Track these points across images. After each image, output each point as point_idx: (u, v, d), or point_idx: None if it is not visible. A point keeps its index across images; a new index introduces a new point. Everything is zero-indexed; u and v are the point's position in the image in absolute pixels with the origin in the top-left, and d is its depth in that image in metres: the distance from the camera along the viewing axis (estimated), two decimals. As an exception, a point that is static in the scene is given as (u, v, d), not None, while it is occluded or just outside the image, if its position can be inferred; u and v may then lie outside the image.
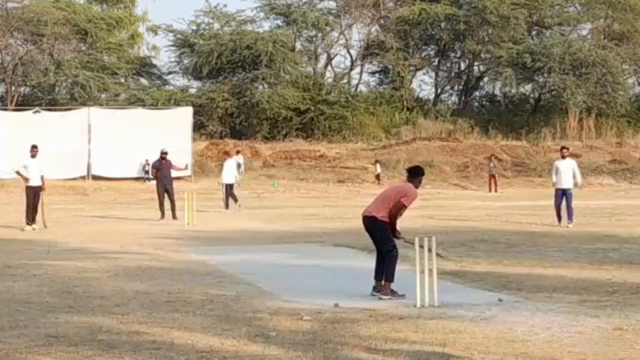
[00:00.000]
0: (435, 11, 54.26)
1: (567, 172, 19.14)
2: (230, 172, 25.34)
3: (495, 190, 37.18)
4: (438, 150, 46.40)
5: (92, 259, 13.02)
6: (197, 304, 8.98)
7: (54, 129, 39.14)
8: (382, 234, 9.69)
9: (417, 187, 9.79)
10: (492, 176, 38.40)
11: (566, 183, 19.07)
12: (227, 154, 27.94)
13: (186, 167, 24.44)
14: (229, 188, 25.05)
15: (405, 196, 9.60)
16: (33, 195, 18.70)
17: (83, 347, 6.94)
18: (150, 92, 53.34)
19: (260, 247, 15.09)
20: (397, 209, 9.63)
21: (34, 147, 19.14)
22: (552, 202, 19.67)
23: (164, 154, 22.64)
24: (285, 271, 11.92)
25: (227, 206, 24.67)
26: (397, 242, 9.76)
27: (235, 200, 25.12)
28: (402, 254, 9.81)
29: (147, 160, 38.73)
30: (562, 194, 18.97)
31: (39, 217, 18.73)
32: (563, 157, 19.57)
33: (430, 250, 9.11)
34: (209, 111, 51.41)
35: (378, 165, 42.23)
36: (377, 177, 41.47)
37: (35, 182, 18.78)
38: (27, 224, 18.55)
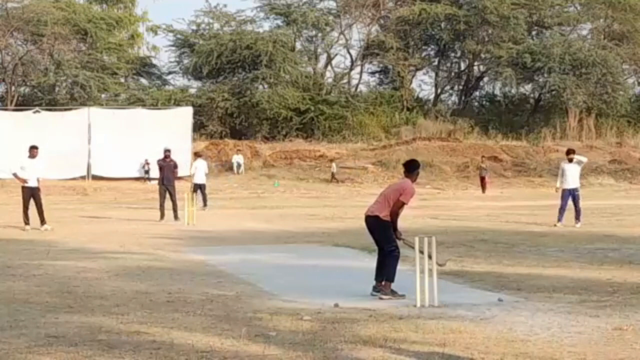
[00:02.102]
0: (435, 11, 54.25)
1: (573, 172, 19.19)
2: (200, 172, 25.20)
3: (483, 192, 36.36)
4: (438, 150, 46.39)
5: (92, 259, 13.01)
6: (197, 304, 8.97)
7: (54, 129, 39.12)
8: (384, 233, 9.70)
9: (414, 180, 9.85)
10: (482, 178, 37.60)
11: (573, 183, 19.14)
12: (197, 155, 27.91)
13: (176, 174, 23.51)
14: (202, 188, 25.05)
15: (403, 194, 9.64)
16: (30, 196, 18.65)
17: (83, 347, 6.94)
18: (150, 92, 53.36)
19: (260, 247, 15.08)
20: (397, 207, 9.68)
21: (33, 148, 19.03)
22: (551, 202, 19.70)
23: (167, 151, 22.49)
24: (285, 271, 11.91)
25: (205, 204, 24.87)
26: (398, 242, 9.77)
27: (205, 203, 25.00)
28: (402, 254, 9.81)
29: (146, 160, 38.70)
30: (570, 195, 19.03)
31: (45, 216, 18.69)
32: (570, 160, 19.53)
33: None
34: (209, 111, 51.43)
35: (334, 165, 42.55)
36: (333, 175, 41.75)
37: (32, 182, 18.72)
38: (26, 223, 18.55)
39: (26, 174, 18.72)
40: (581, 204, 19.22)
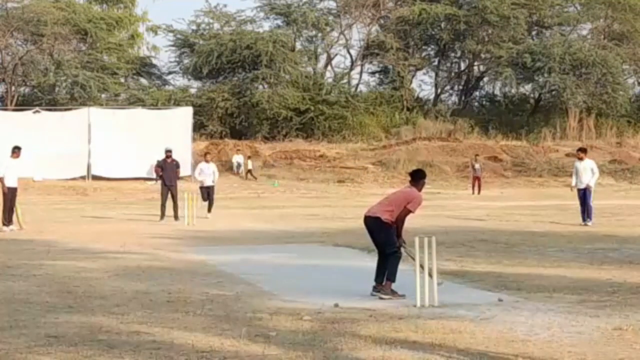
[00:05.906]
0: (435, 11, 54.27)
1: (584, 172, 19.44)
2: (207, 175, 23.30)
3: (479, 192, 35.44)
4: (438, 150, 46.41)
5: (92, 259, 13.01)
6: (197, 304, 8.97)
7: (54, 129, 39.14)
8: (385, 235, 9.67)
9: (420, 190, 9.83)
10: (476, 178, 36.60)
11: (585, 182, 19.37)
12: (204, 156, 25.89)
13: (178, 174, 22.81)
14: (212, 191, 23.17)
15: (410, 202, 9.61)
16: (11, 196, 18.52)
17: (83, 347, 6.94)
18: (150, 92, 53.36)
19: (260, 247, 15.08)
20: (404, 214, 9.64)
21: (16, 149, 18.77)
22: (550, 202, 19.79)
23: (168, 151, 22.38)
24: (285, 271, 11.91)
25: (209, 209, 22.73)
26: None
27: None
28: (403, 255, 9.80)
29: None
30: (583, 193, 19.29)
31: (15, 218, 18.61)
32: (579, 159, 19.80)
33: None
34: (209, 111, 51.43)
35: (250, 161, 43.10)
36: (250, 172, 42.24)
37: (13, 183, 18.51)
38: (4, 224, 18.40)
39: (10, 174, 18.54)
40: (592, 202, 19.39)
